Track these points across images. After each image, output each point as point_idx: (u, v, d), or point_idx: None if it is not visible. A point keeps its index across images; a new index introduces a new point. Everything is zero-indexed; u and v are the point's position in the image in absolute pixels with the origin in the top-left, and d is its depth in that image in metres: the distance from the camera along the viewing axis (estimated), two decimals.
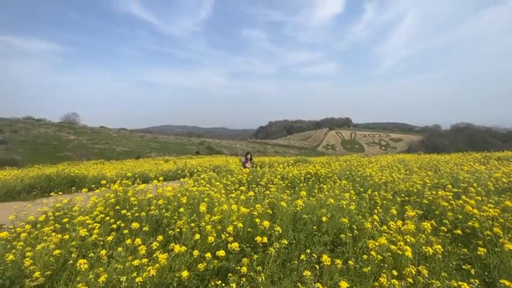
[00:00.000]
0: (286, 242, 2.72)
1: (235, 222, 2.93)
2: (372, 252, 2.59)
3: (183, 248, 2.55)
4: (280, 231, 2.85)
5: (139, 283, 2.30)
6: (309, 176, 6.04)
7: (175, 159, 28.60)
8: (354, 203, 3.68)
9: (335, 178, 5.71)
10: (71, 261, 2.62)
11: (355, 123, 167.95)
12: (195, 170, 7.25)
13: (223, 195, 4.05)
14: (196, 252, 2.56)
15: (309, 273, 2.37)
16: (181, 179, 5.16)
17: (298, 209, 3.27)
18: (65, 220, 3.31)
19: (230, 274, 2.45)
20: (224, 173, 6.39)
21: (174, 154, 46.48)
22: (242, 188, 4.18)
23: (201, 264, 2.52)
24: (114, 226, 3.18)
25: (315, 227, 3.16)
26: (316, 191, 4.80)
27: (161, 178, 4.65)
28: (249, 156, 8.90)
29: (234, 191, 4.54)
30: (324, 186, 4.79)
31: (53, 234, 2.96)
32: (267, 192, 4.05)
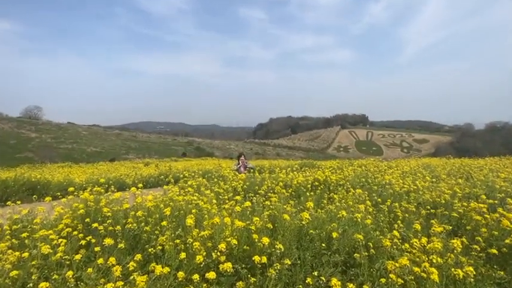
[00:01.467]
0: (290, 262, 2.72)
1: (229, 239, 2.92)
2: (392, 275, 2.59)
3: (166, 269, 2.54)
4: (283, 250, 2.85)
5: None
6: (317, 183, 6.06)
7: (157, 162, 28.60)
8: (370, 216, 3.69)
9: (348, 186, 5.72)
10: (31, 285, 2.61)
11: (372, 121, 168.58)
12: (181, 176, 7.24)
13: (215, 206, 4.05)
14: (181, 274, 2.55)
15: None
16: (165, 186, 5.15)
17: (303, 223, 3.27)
18: (24, 235, 3.29)
19: None
20: (216, 180, 6.39)
21: (156, 156, 46.41)
22: (237, 197, 4.18)
23: None
24: (83, 242, 3.17)
25: (323, 245, 3.17)
26: (325, 201, 4.81)
27: (140, 185, 4.64)
28: (242, 158, 8.90)
29: (227, 201, 4.54)
30: (335, 196, 4.80)
31: (10, 251, 2.94)
32: (267, 202, 4.06)
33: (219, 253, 2.78)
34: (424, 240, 3.03)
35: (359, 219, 3.46)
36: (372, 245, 3.18)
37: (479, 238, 3.31)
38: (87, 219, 3.65)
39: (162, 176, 10.47)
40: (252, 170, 7.70)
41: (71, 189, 4.59)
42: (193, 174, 7.36)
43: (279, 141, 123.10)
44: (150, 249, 3.11)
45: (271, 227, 3.23)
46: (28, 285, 2.61)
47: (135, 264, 2.68)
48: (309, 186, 5.92)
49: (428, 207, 4.42)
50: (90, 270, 2.64)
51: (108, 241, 3.00)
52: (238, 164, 8.89)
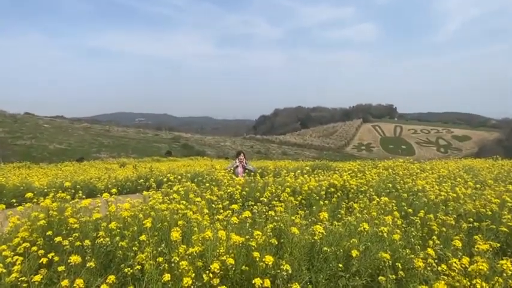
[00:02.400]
0: (299, 287, 2.72)
1: (224, 257, 2.92)
2: None
3: None
4: (290, 271, 2.85)
5: None
6: (332, 189, 6.06)
7: (135, 162, 28.66)
8: (398, 231, 3.68)
9: (371, 193, 5.72)
10: None
11: (401, 113, 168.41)
12: (165, 179, 7.25)
13: (207, 216, 4.06)
14: None
15: None
16: (145, 192, 5.16)
17: (316, 238, 3.27)
18: None
19: None
20: (208, 184, 6.40)
21: (135, 155, 46.53)
22: (234, 206, 4.18)
23: None
24: (44, 260, 3.17)
25: (340, 265, 3.16)
26: (343, 212, 4.81)
27: (114, 190, 4.65)
28: (241, 157, 8.92)
29: (222, 211, 4.54)
30: (355, 205, 4.80)
31: None
32: (271, 213, 4.05)
33: (211, 275, 2.78)
34: (465, 260, 3.02)
35: (385, 234, 3.45)
36: (400, 266, 3.18)
37: None
38: (49, 232, 3.66)
39: (142, 180, 10.50)
40: (252, 173, 7.71)
41: (29, 195, 4.60)
42: (179, 177, 7.37)
43: (285, 137, 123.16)
44: (126, 269, 3.11)
45: (276, 243, 3.22)
46: None
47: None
48: (323, 193, 5.91)
49: (471, 219, 4.41)
50: None
51: (75, 259, 3.00)
52: (236, 164, 8.90)
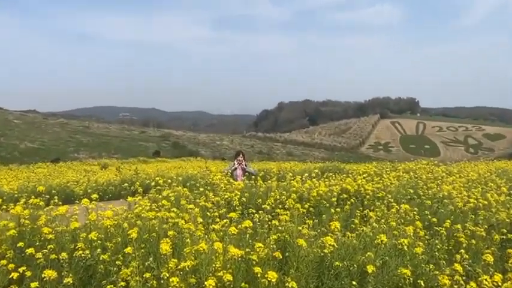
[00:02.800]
0: None
1: (220, 273, 2.93)
2: None
3: None
4: None
5: None
6: (345, 196, 6.07)
7: (119, 163, 28.69)
8: (421, 243, 3.68)
9: (390, 200, 5.72)
10: None
11: (424, 108, 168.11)
12: (153, 183, 7.25)
13: (201, 226, 4.06)
14: None
15: None
16: (129, 198, 5.17)
17: (326, 251, 3.27)
18: None
19: None
20: (202, 189, 6.41)
21: (118, 155, 46.53)
22: (232, 214, 4.18)
23: None
24: (15, 275, 3.18)
25: (354, 282, 3.17)
26: (357, 221, 4.81)
27: (95, 196, 4.66)
28: (240, 158, 8.94)
29: (218, 220, 4.54)
30: (371, 213, 4.80)
31: None
32: (275, 222, 4.06)
33: None
34: (497, 277, 3.02)
35: (405, 247, 3.46)
36: (423, 284, 3.18)
37: None
38: (20, 244, 3.66)
39: (126, 184, 10.49)
40: (252, 176, 7.71)
41: None
42: (169, 181, 7.36)
43: (291, 135, 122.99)
44: (108, 287, 3.12)
45: (281, 257, 3.23)
46: None
47: None
48: (334, 199, 5.91)
49: (505, 230, 4.41)
50: None
51: (50, 274, 3.01)
52: (234, 166, 8.91)
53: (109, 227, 3.81)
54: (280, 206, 5.37)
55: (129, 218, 4.23)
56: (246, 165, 8.99)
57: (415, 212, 4.86)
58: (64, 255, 3.43)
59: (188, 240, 3.54)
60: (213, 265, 3.07)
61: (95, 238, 3.60)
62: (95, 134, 65.99)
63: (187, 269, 3.00)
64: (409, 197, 6.23)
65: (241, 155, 9.07)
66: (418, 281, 3.20)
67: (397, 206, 5.05)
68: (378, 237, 3.51)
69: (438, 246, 3.91)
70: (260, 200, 5.77)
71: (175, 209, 4.51)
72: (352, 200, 5.86)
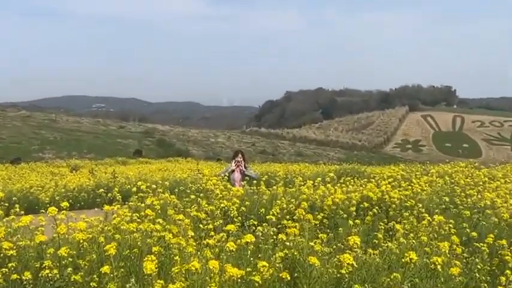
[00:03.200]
0: None
1: None
2: None
3: None
4: None
5: None
6: (366, 205, 6.06)
7: (92, 165, 28.65)
8: (458, 262, 3.68)
9: (420, 210, 5.72)
10: None
11: (462, 99, 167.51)
12: (134, 189, 7.26)
13: (192, 240, 4.07)
14: None
15: None
16: (106, 207, 5.16)
17: (343, 271, 3.28)
18: None
19: None
20: (194, 196, 6.42)
21: (91, 155, 46.49)
22: (230, 226, 4.19)
23: None
24: None
25: None
26: (380, 235, 4.81)
27: (65, 204, 4.66)
28: (239, 158, 8.95)
29: (213, 233, 4.55)
30: (398, 226, 4.80)
31: None
32: (281, 236, 4.07)
33: None
34: None
35: (439, 267, 3.46)
36: None
37: None
38: None
39: (102, 190, 10.45)
40: (254, 181, 7.72)
41: None
42: (154, 186, 7.37)
43: (301, 131, 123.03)
44: None
45: (288, 278, 3.24)
46: None
47: None
48: (353, 209, 5.92)
49: None
50: None
51: None
52: (231, 168, 8.94)
53: (82, 241, 3.82)
54: (287, 217, 5.37)
55: (106, 231, 4.23)
56: (245, 168, 9.01)
57: (450, 225, 4.84)
58: (28, 275, 3.44)
59: (177, 257, 3.54)
60: (208, 287, 3.09)
61: (65, 255, 3.60)
62: (64, 129, 66.05)
63: None
64: (443, 206, 6.22)
65: (240, 155, 9.10)
66: None
67: (429, 218, 5.04)
68: (406, 255, 3.51)
69: (479, 266, 3.91)
70: (263, 209, 5.77)
71: (161, 220, 4.52)
72: (374, 210, 5.85)
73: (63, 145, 52.78)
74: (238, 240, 3.61)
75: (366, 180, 9.03)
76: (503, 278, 3.74)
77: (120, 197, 6.55)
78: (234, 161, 9.08)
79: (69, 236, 4.04)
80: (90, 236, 3.98)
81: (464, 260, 4.02)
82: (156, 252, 3.57)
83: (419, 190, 7.24)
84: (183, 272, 3.18)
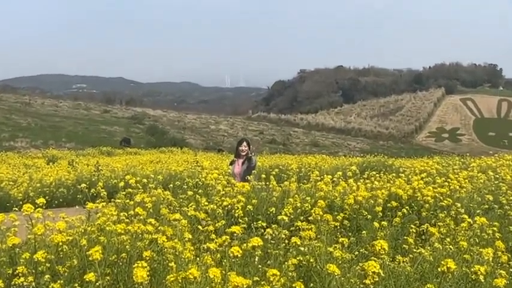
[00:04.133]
0: None
1: None
2: None
3: None
4: None
5: None
6: (394, 204, 6.05)
7: (73, 156, 28.80)
8: (503, 272, 3.67)
9: (459, 211, 5.70)
10: None
11: (509, 80, 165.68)
12: (122, 185, 7.30)
13: (189, 244, 4.08)
14: None
15: None
16: (89, 205, 5.19)
17: (368, 282, 3.27)
18: None
19: None
20: (191, 193, 6.43)
21: (71, 144, 46.76)
22: (234, 228, 4.19)
23: None
24: None
25: None
26: (411, 240, 4.80)
27: (41, 200, 4.69)
28: (243, 147, 8.85)
29: (214, 236, 4.56)
30: (432, 229, 4.78)
31: None
32: (295, 240, 4.07)
33: None
34: None
35: (481, 277, 3.45)
36: None
37: None
38: None
39: (84, 185, 10.50)
40: (257, 172, 7.68)
41: None
42: (145, 181, 7.40)
43: (317, 117, 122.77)
44: None
45: None
46: None
47: None
48: (379, 209, 5.90)
49: None
50: None
51: None
52: (237, 159, 8.88)
53: (61, 244, 3.84)
54: (301, 218, 5.37)
55: (89, 233, 4.25)
56: (252, 156, 8.79)
57: (495, 228, 4.82)
58: None
59: (172, 264, 3.56)
60: None
61: (42, 260, 3.62)
62: (39, 114, 66.39)
63: None
64: (486, 206, 6.18)
65: (245, 144, 8.91)
66: None
67: (469, 220, 5.02)
68: (442, 263, 3.50)
69: None
70: (273, 208, 5.77)
71: (153, 221, 4.54)
72: (404, 210, 5.84)
73: (38, 132, 53.02)
74: (244, 245, 3.61)
75: (394, 175, 9.01)
76: None
77: (105, 193, 6.56)
78: (239, 150, 8.90)
79: (47, 238, 4.06)
80: (71, 238, 3.99)
81: (511, 270, 4.00)
82: (147, 258, 3.58)
83: (457, 187, 7.19)
84: (179, 281, 3.18)
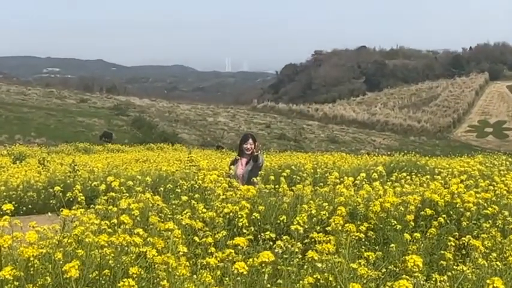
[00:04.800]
0: None
1: None
2: None
3: None
4: None
5: None
6: (429, 212, 6.05)
7: (44, 153, 28.82)
8: None
9: (506, 220, 5.69)
10: None
11: None
12: (103, 188, 7.30)
13: (184, 259, 4.09)
14: None
15: None
16: (64, 212, 5.20)
17: None
18: None
19: None
20: (186, 198, 6.43)
21: (42, 139, 46.92)
22: (238, 240, 4.20)
23: None
24: None
25: None
26: (449, 255, 4.80)
27: (9, 206, 4.70)
28: (248, 145, 8.88)
29: (213, 249, 4.57)
30: (475, 242, 4.77)
31: None
32: (311, 254, 4.07)
33: None
34: None
35: None
36: None
37: None
38: None
39: (58, 188, 10.54)
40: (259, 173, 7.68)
41: None
42: (130, 183, 7.41)
43: (335, 108, 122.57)
44: None
45: None
46: None
47: None
48: (411, 217, 5.88)
49: None
50: None
51: None
52: (240, 158, 8.89)
53: (32, 258, 3.86)
54: (318, 228, 5.37)
55: (65, 245, 4.26)
56: (259, 154, 8.84)
57: None
58: None
59: (164, 282, 3.57)
60: None
61: (10, 277, 3.63)
62: (3, 103, 66.63)
63: None
64: None
65: (250, 141, 8.96)
66: None
67: None
68: (487, 282, 3.50)
69: None
70: (284, 217, 5.77)
71: (141, 231, 4.55)
72: (441, 220, 5.82)
73: (2, 125, 53.23)
74: (250, 260, 3.62)
75: (428, 177, 9.00)
76: None
77: (83, 198, 6.57)
78: (243, 146, 8.95)
79: (14, 252, 4.07)
80: (43, 251, 4.00)
81: None
82: (134, 275, 3.60)
83: (504, 192, 7.18)
84: None
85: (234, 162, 8.99)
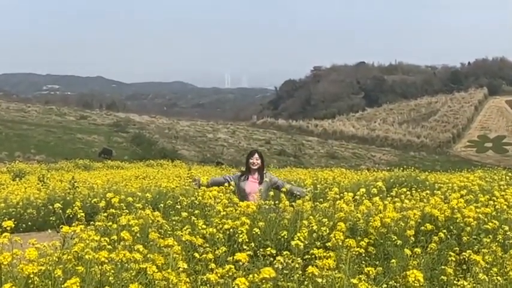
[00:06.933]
0: None
1: None
2: None
3: None
4: None
5: None
6: (429, 227, 6.04)
7: (43, 170, 28.81)
8: None
9: (507, 235, 5.70)
10: None
11: None
12: (103, 204, 7.30)
13: (184, 275, 4.09)
14: None
15: None
16: (64, 229, 5.20)
17: None
18: None
19: None
20: (186, 214, 6.43)
21: (41, 156, 46.91)
22: (240, 256, 4.20)
23: None
24: None
25: None
26: (450, 270, 4.80)
27: (8, 224, 4.70)
28: (255, 160, 8.91)
29: (214, 266, 4.56)
30: (476, 257, 4.77)
31: None
32: (311, 270, 4.07)
33: None
34: None
35: None
36: None
37: None
38: None
39: (58, 205, 10.54)
40: (297, 197, 7.64)
41: None
42: (130, 199, 7.41)
43: (334, 124, 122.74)
44: None
45: None
46: None
47: None
48: (411, 233, 5.87)
49: None
50: None
51: None
52: (248, 173, 8.91)
53: (32, 275, 3.85)
54: (318, 244, 5.37)
55: (65, 261, 4.26)
56: (262, 172, 8.88)
57: None
58: None
59: None
60: None
61: None
62: (3, 120, 66.74)
63: None
64: None
65: (257, 156, 8.98)
66: None
67: None
68: None
69: None
70: (285, 232, 5.77)
71: (141, 247, 4.55)
72: (441, 235, 5.81)
73: (2, 142, 53.26)
74: (251, 276, 3.61)
75: (428, 192, 9.00)
76: None
77: (82, 214, 6.57)
78: (250, 162, 8.96)
79: (14, 269, 4.06)
80: (43, 268, 4.00)
81: None
82: None
83: (504, 207, 7.18)
84: None
85: (241, 177, 8.99)
